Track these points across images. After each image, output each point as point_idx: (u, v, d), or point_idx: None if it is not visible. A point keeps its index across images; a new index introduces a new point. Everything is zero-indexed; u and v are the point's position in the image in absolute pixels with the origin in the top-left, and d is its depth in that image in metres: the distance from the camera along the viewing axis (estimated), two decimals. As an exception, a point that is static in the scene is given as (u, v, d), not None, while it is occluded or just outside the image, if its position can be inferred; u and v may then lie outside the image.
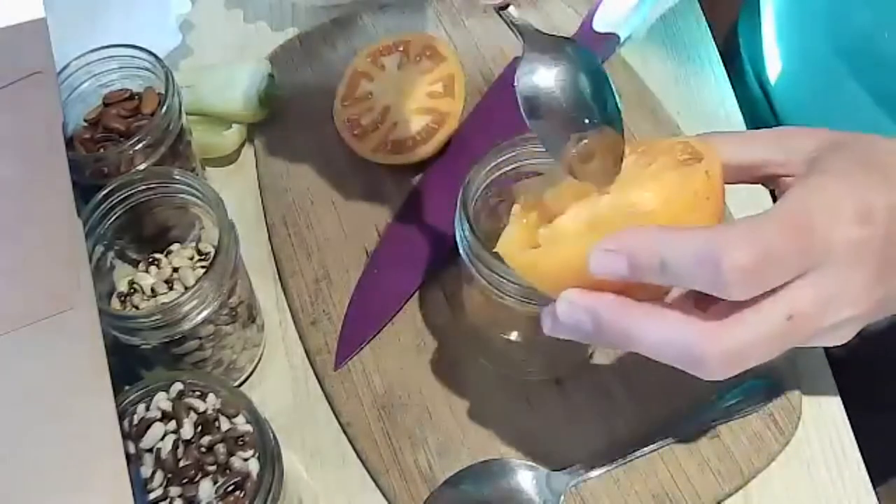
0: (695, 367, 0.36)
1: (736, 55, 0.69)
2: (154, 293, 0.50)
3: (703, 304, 0.36)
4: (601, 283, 0.36)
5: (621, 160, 0.39)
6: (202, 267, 0.51)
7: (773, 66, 0.64)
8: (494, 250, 0.40)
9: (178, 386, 0.43)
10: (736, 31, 0.69)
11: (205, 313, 0.46)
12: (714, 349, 0.35)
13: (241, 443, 0.42)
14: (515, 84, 0.40)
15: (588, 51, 0.41)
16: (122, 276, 0.51)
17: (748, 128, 0.61)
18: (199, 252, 0.52)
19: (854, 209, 0.36)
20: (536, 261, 0.38)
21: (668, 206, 0.37)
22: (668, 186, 0.37)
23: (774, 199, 0.60)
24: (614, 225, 0.37)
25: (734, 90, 0.63)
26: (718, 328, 0.35)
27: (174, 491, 0.41)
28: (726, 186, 0.39)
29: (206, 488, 0.41)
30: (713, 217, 0.38)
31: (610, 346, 0.38)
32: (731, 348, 0.35)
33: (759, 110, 0.66)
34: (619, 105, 0.40)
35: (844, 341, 0.39)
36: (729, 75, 0.64)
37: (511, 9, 0.41)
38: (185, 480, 0.41)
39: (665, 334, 0.35)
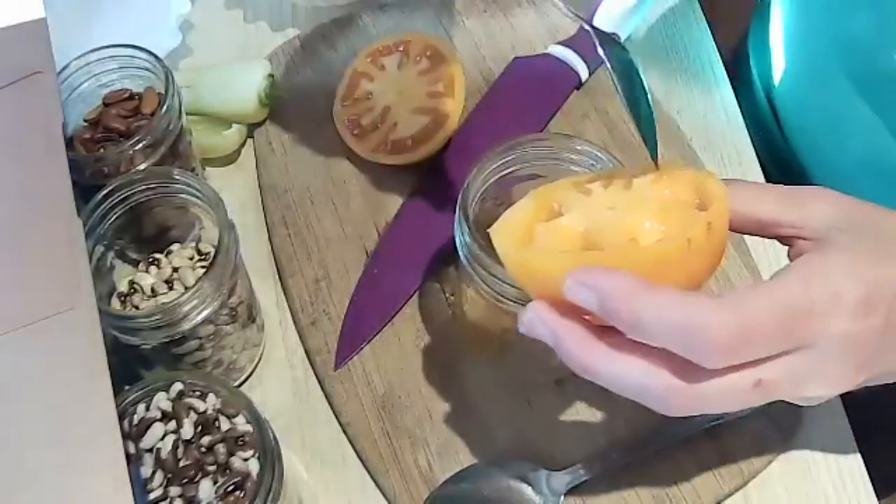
0: (654, 407, 0.36)
1: (745, 67, 0.69)
2: (154, 293, 0.50)
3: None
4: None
5: None
6: (202, 267, 0.51)
7: (781, 79, 0.64)
8: (488, 230, 0.40)
9: (178, 386, 0.43)
10: (745, 43, 0.69)
11: (205, 313, 0.46)
12: (676, 401, 0.35)
13: (241, 443, 0.42)
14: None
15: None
16: (122, 276, 0.51)
17: (753, 137, 0.61)
18: (199, 252, 0.52)
19: (856, 298, 0.35)
20: (524, 259, 0.38)
21: (660, 245, 0.36)
22: (668, 223, 0.37)
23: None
24: (606, 243, 0.37)
25: (741, 101, 0.63)
26: (682, 387, 0.35)
27: (174, 491, 0.41)
28: None
29: (206, 488, 0.41)
30: (704, 270, 0.37)
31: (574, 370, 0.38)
32: (693, 402, 0.35)
33: (765, 122, 0.66)
34: None
35: (815, 404, 0.39)
36: (737, 86, 0.64)
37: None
38: (185, 480, 0.41)
39: (626, 379, 0.36)
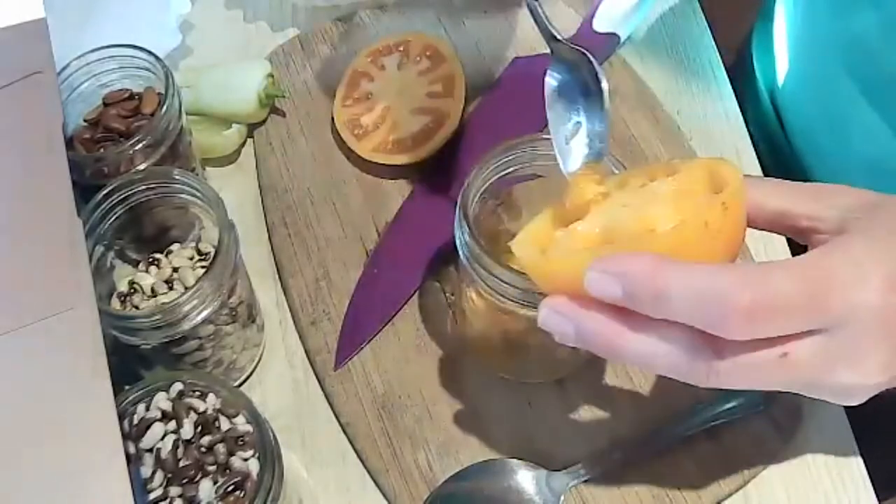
0: (684, 379, 0.35)
1: (748, 68, 0.68)
2: (154, 293, 0.50)
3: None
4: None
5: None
6: (202, 267, 0.51)
7: (785, 80, 0.64)
8: (510, 244, 0.40)
9: (178, 386, 0.43)
10: (749, 44, 0.69)
11: (205, 313, 0.46)
12: (703, 374, 0.35)
13: (241, 443, 0.42)
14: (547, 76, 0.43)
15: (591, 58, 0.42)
16: (122, 276, 0.51)
17: (756, 140, 0.61)
18: (199, 252, 0.52)
19: (883, 275, 0.34)
20: (545, 264, 0.38)
21: (677, 232, 0.36)
22: (683, 211, 0.37)
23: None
24: (625, 238, 0.36)
25: (745, 102, 0.63)
26: (707, 346, 0.34)
27: (174, 491, 0.41)
28: None
29: (206, 488, 0.41)
30: (724, 252, 0.37)
31: (599, 354, 0.37)
32: (721, 375, 0.34)
33: (768, 123, 0.66)
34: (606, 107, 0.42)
35: (852, 404, 0.38)
36: (741, 87, 0.64)
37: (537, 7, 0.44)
38: (185, 480, 0.41)
39: (654, 355, 0.35)
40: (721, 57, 0.64)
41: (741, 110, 0.62)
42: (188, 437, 0.42)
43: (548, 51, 0.62)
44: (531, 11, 0.44)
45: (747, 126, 0.61)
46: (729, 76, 0.63)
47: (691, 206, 0.37)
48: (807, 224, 0.39)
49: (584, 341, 0.36)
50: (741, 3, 0.73)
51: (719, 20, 0.66)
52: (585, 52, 0.42)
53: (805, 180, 0.61)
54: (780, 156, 0.65)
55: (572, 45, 0.42)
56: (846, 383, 0.36)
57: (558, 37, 0.43)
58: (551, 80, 0.43)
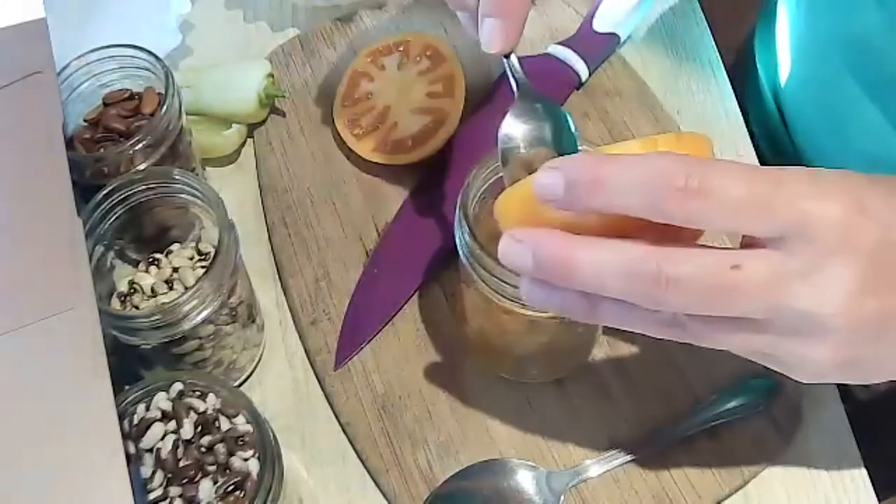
0: (630, 289, 0.33)
1: (751, 68, 0.68)
2: (154, 293, 0.50)
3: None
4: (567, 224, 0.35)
5: None
6: (202, 267, 0.51)
7: (788, 80, 0.64)
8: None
9: (178, 386, 0.43)
10: (751, 44, 0.69)
11: (205, 313, 0.46)
12: (650, 268, 0.32)
13: (241, 443, 0.42)
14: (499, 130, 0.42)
15: (564, 114, 0.43)
16: (122, 276, 0.51)
17: (758, 139, 0.61)
18: (199, 252, 0.52)
19: (846, 195, 0.32)
20: (503, 201, 0.38)
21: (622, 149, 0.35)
22: (642, 143, 0.36)
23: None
24: None
25: (748, 102, 0.63)
26: (658, 250, 0.33)
27: (174, 491, 0.41)
28: None
29: (206, 488, 0.41)
30: None
31: (554, 279, 0.35)
32: (669, 273, 0.32)
33: (772, 123, 0.66)
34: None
35: (817, 378, 0.35)
36: (743, 87, 0.64)
37: (513, 58, 0.44)
38: (185, 480, 0.41)
39: (610, 265, 0.33)
40: (722, 57, 0.64)
41: (743, 110, 0.62)
42: (188, 437, 0.42)
43: (547, 51, 0.62)
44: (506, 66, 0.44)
45: (749, 126, 0.61)
46: (730, 76, 0.63)
47: (650, 140, 0.36)
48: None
49: (541, 266, 0.35)
50: (741, 3, 0.73)
51: (719, 20, 0.66)
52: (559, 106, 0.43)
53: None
54: (782, 155, 0.64)
55: (547, 103, 0.43)
56: (805, 310, 0.33)
57: (532, 91, 0.43)
58: (513, 129, 0.43)
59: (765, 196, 0.32)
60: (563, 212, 0.35)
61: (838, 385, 0.52)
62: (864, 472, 0.49)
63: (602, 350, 0.52)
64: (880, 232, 0.33)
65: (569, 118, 0.42)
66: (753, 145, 0.60)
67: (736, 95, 0.62)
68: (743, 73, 0.68)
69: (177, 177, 0.49)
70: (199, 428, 0.42)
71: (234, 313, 0.50)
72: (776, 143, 0.65)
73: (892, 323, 0.34)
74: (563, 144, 0.41)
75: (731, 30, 0.68)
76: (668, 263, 0.33)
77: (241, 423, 0.43)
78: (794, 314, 0.33)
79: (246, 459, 0.42)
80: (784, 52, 0.64)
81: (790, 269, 0.32)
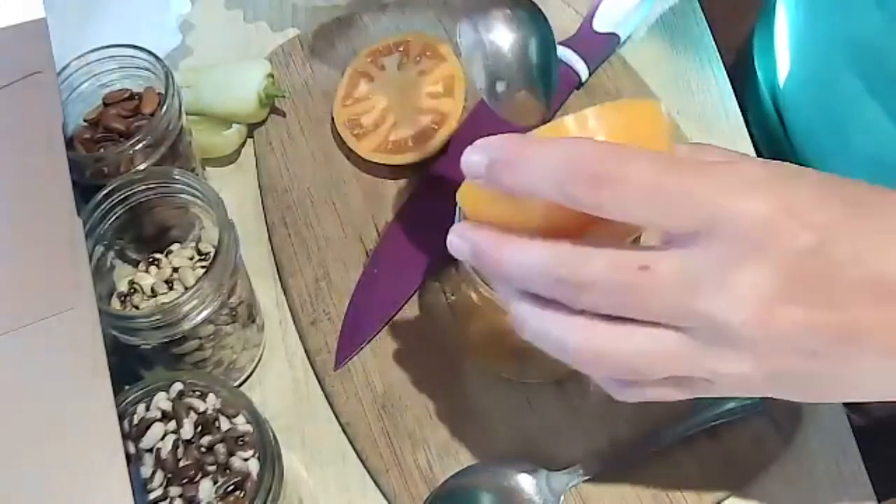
0: (549, 288, 0.33)
1: (749, 68, 0.68)
2: (154, 293, 0.50)
3: None
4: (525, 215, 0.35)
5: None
6: (202, 267, 0.51)
7: (786, 80, 0.64)
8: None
9: (178, 386, 0.43)
10: (750, 44, 0.69)
11: (205, 313, 0.46)
12: (563, 270, 0.32)
13: (241, 443, 0.42)
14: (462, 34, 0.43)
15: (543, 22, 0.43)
16: (122, 276, 0.51)
17: (756, 140, 0.61)
18: (199, 252, 0.52)
19: (775, 192, 0.30)
20: (463, 188, 0.38)
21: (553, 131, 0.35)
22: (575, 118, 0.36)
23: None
24: None
25: (746, 102, 0.63)
26: (576, 250, 0.32)
27: (174, 491, 0.41)
28: None
29: (206, 488, 0.41)
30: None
31: (491, 275, 0.37)
32: (581, 273, 0.32)
33: (770, 124, 0.66)
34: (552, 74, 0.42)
35: (754, 394, 0.33)
36: (742, 87, 0.64)
37: None
38: (185, 480, 0.41)
39: (531, 262, 0.33)
40: (721, 57, 0.64)
41: (742, 110, 0.62)
42: (188, 437, 0.42)
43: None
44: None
45: (748, 126, 0.61)
46: (729, 76, 0.63)
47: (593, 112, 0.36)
48: None
49: (476, 256, 0.35)
50: (741, 3, 0.73)
51: (719, 20, 0.66)
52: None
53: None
54: (781, 156, 0.64)
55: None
56: (714, 316, 0.30)
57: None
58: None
59: (679, 187, 0.30)
60: (514, 199, 0.34)
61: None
62: (863, 471, 0.49)
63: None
64: (808, 236, 0.30)
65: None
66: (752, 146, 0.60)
67: (735, 95, 0.62)
68: (742, 74, 0.68)
69: (177, 177, 0.49)
70: (199, 428, 0.42)
71: (234, 313, 0.50)
72: (775, 143, 0.65)
73: (825, 337, 0.31)
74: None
75: (731, 30, 0.68)
76: (581, 263, 0.32)
77: (241, 423, 0.43)
78: (705, 321, 0.31)
79: (246, 459, 0.42)
80: (783, 52, 0.64)
81: (700, 271, 0.30)
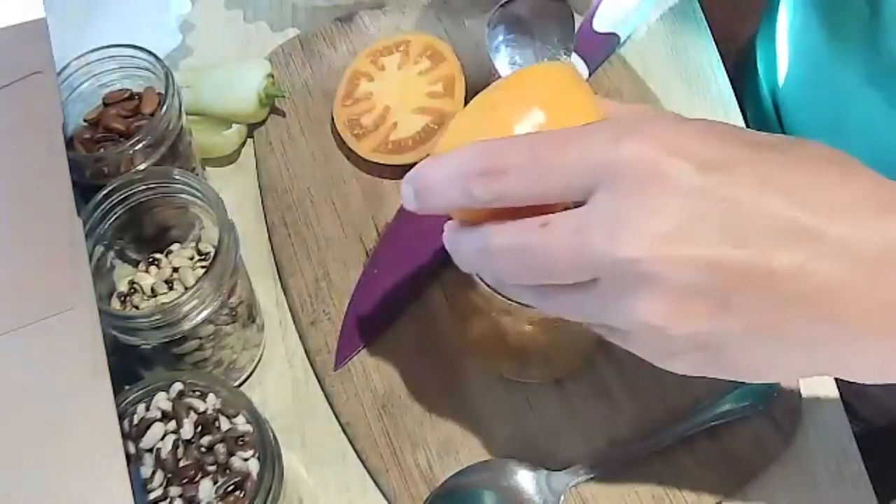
0: (479, 263, 0.35)
1: (751, 70, 0.68)
2: (154, 293, 0.50)
3: None
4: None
5: None
6: (202, 267, 0.51)
7: (785, 80, 0.64)
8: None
9: (178, 386, 0.43)
10: (752, 47, 0.69)
11: (205, 313, 0.46)
12: (483, 241, 0.34)
13: (241, 443, 0.42)
14: None
15: None
16: (122, 276, 0.51)
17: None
18: (199, 252, 0.52)
19: (654, 135, 0.30)
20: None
21: (463, 115, 0.37)
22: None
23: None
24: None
25: (747, 106, 0.63)
26: (499, 225, 0.34)
27: (174, 491, 0.41)
28: None
29: (206, 488, 0.41)
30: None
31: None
32: (494, 242, 0.34)
33: (770, 127, 0.66)
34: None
35: (668, 356, 0.32)
36: (743, 91, 0.64)
37: None
38: (185, 480, 0.41)
39: (468, 238, 0.35)
40: (722, 57, 0.64)
41: (742, 111, 0.62)
42: (188, 437, 0.42)
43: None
44: None
45: (748, 126, 0.61)
46: (730, 76, 0.63)
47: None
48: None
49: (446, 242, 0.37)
50: (742, 3, 0.73)
51: (721, 20, 0.66)
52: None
53: None
54: None
55: None
56: (612, 257, 0.30)
57: None
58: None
59: (556, 157, 0.31)
60: None
61: (838, 385, 0.52)
62: (863, 471, 0.49)
63: (602, 350, 0.52)
64: (698, 173, 0.29)
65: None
66: None
67: (736, 95, 0.62)
68: (742, 74, 0.68)
69: (177, 177, 0.49)
70: (199, 428, 0.42)
71: (234, 313, 0.50)
72: None
73: (732, 278, 0.29)
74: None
75: (731, 30, 0.68)
76: (496, 233, 0.34)
77: (241, 423, 0.43)
78: (606, 266, 0.30)
79: (246, 459, 0.42)
80: (783, 52, 0.64)
81: (594, 219, 0.30)
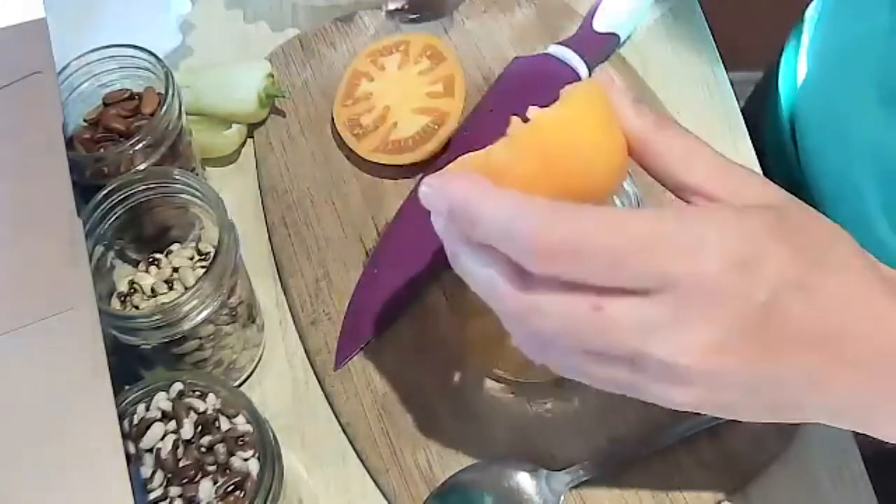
0: (496, 307, 0.35)
1: (773, 84, 0.68)
2: (154, 293, 0.50)
3: None
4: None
5: None
6: (202, 267, 0.51)
7: (801, 90, 0.64)
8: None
9: (178, 386, 0.43)
10: (777, 66, 0.69)
11: (205, 313, 0.46)
12: (511, 303, 0.34)
13: (241, 443, 0.42)
14: None
15: None
16: (122, 276, 0.51)
17: (769, 157, 0.61)
18: (199, 252, 0.52)
19: (730, 247, 0.31)
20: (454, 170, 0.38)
21: (492, 152, 0.36)
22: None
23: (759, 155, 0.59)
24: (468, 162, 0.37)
25: (766, 119, 0.62)
26: (515, 289, 0.33)
27: (174, 491, 0.41)
28: None
29: (206, 488, 0.41)
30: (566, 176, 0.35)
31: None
32: (526, 310, 0.33)
33: (784, 141, 0.66)
34: None
35: (678, 404, 0.34)
36: (764, 101, 0.63)
37: None
38: (185, 480, 0.41)
39: (475, 270, 0.35)
40: (750, 69, 0.63)
41: (759, 125, 0.61)
42: (188, 437, 0.42)
43: (547, 51, 0.62)
44: None
45: (763, 140, 0.61)
46: (755, 93, 0.63)
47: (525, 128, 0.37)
48: (696, 200, 0.36)
49: (442, 233, 0.37)
50: (773, 21, 0.73)
51: (752, 34, 0.66)
52: None
53: (812, 195, 0.61)
54: (789, 172, 0.64)
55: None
56: (663, 358, 0.32)
57: None
58: None
59: (634, 263, 0.31)
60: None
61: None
62: (863, 471, 0.49)
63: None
64: (759, 293, 0.32)
65: None
66: (761, 163, 0.60)
67: (756, 109, 0.62)
68: (764, 86, 0.67)
69: (177, 177, 0.49)
70: (199, 428, 0.42)
71: (234, 313, 0.50)
72: (784, 166, 0.65)
73: (767, 383, 0.33)
74: None
75: (765, 45, 0.67)
76: (528, 293, 0.33)
77: (241, 423, 0.43)
78: (654, 362, 0.32)
79: (246, 459, 0.42)
80: (803, 67, 0.64)
81: (649, 316, 0.32)
